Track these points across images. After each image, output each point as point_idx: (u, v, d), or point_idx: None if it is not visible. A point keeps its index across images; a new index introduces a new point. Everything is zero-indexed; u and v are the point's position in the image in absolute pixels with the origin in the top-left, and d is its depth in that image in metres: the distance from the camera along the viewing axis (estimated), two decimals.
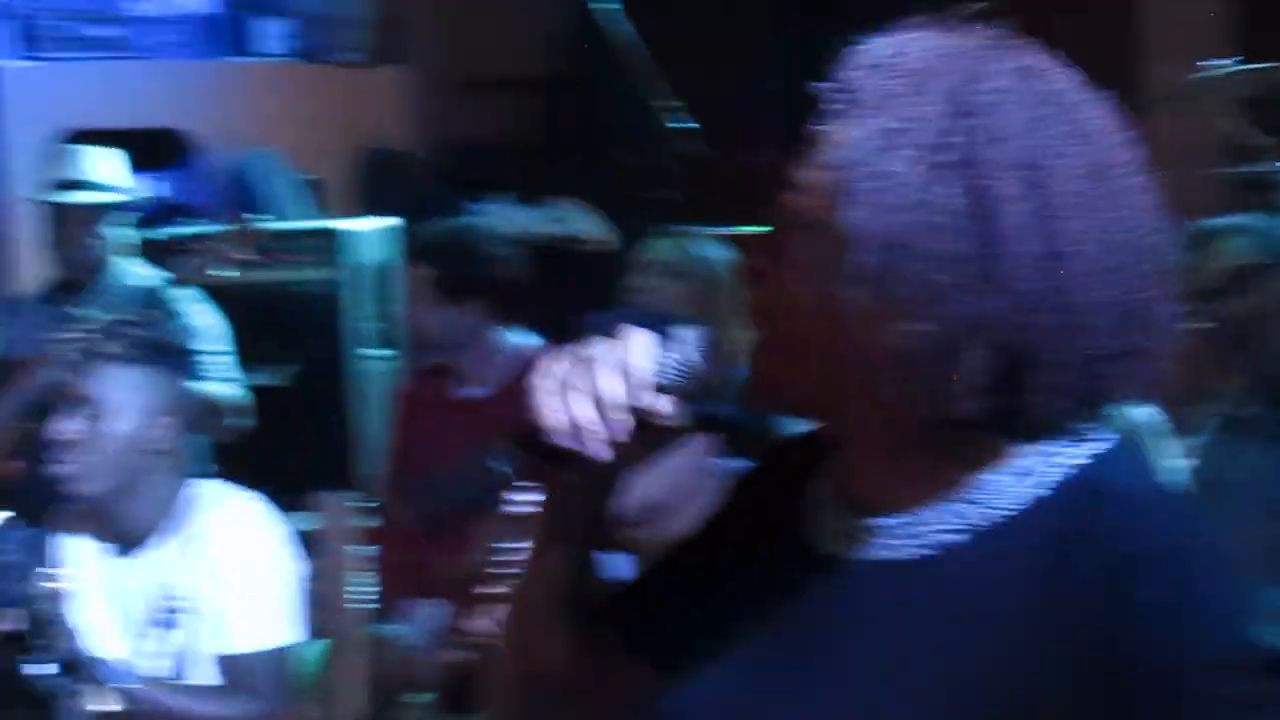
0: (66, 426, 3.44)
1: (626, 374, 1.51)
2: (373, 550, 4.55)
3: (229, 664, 3.49)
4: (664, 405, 1.51)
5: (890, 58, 1.40)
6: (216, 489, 3.62)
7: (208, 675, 3.50)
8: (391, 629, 4.48)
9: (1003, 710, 1.34)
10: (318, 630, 3.80)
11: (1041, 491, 1.41)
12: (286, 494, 3.85)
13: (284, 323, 5.87)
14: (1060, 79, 1.42)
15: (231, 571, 3.50)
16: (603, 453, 1.51)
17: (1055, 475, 1.41)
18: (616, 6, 6.79)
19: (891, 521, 1.44)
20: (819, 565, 1.49)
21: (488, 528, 3.20)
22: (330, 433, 5.86)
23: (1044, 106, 1.38)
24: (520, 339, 4.74)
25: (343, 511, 3.87)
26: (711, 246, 4.91)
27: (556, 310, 4.84)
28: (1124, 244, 1.36)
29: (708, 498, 1.74)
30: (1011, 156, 1.35)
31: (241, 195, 7.25)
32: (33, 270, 6.28)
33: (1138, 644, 1.32)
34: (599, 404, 1.50)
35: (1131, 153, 1.41)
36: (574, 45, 8.40)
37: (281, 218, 6.58)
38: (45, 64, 7.19)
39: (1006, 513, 1.41)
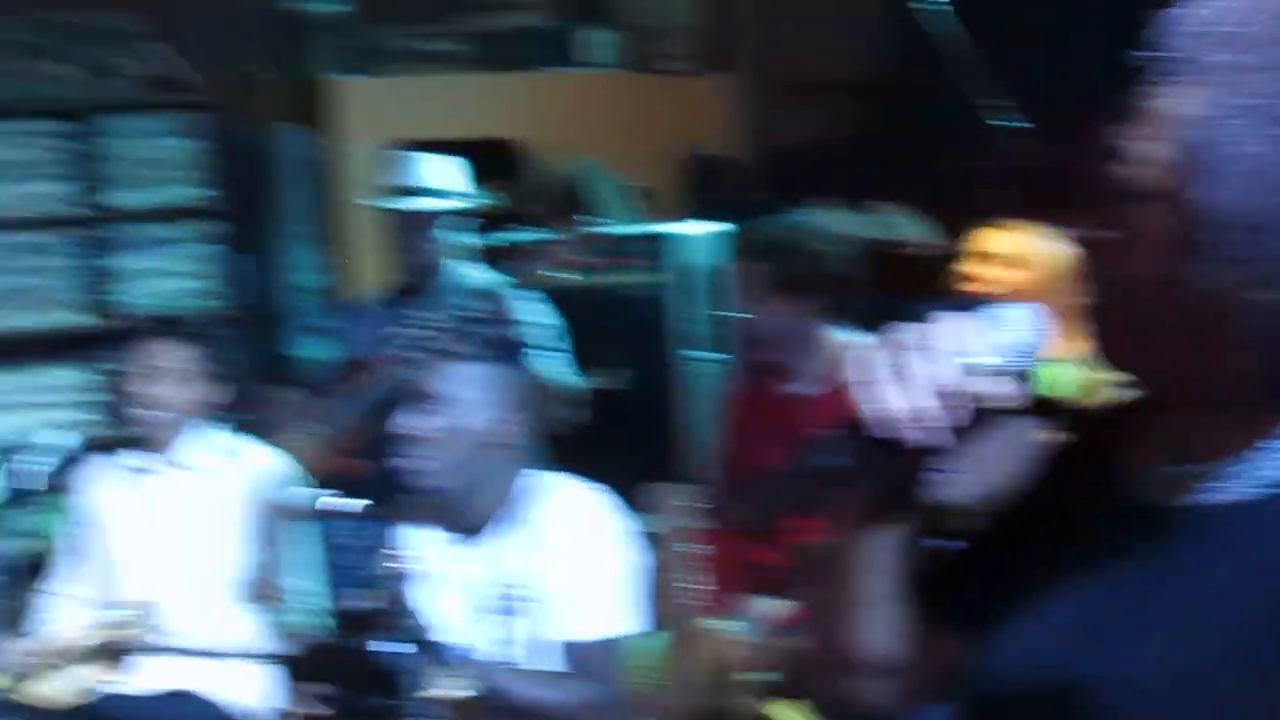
0: (417, 422, 3.53)
1: (959, 357, 1.51)
2: (705, 547, 4.59)
3: (570, 651, 3.55)
4: (998, 387, 1.51)
5: (1233, 25, 1.37)
6: (558, 480, 3.68)
7: (548, 663, 3.56)
8: (724, 624, 4.51)
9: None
10: (655, 623, 3.84)
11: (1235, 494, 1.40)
12: (619, 492, 3.90)
13: (616, 325, 5.94)
14: None
15: (573, 560, 3.56)
16: (940, 439, 1.52)
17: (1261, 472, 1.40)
18: (944, 5, 6.74)
19: (1221, 467, 1.43)
20: (1146, 517, 1.49)
21: (819, 519, 3.21)
22: (661, 432, 5.92)
23: None
24: (852, 338, 4.74)
25: (676, 508, 3.89)
26: (1043, 240, 4.84)
27: (885, 311, 4.85)
28: None
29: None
30: None
31: (572, 203, 7.36)
32: (373, 275, 6.50)
33: None
34: (934, 389, 1.51)
35: None
36: (900, 47, 8.36)
37: (611, 224, 6.68)
38: (380, 78, 7.41)
39: (1250, 495, 1.40)
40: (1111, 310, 1.46)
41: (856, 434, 1.55)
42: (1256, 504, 1.41)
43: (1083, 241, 1.50)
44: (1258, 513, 1.41)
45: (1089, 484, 1.60)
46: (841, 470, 1.66)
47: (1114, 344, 1.48)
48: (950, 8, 6.73)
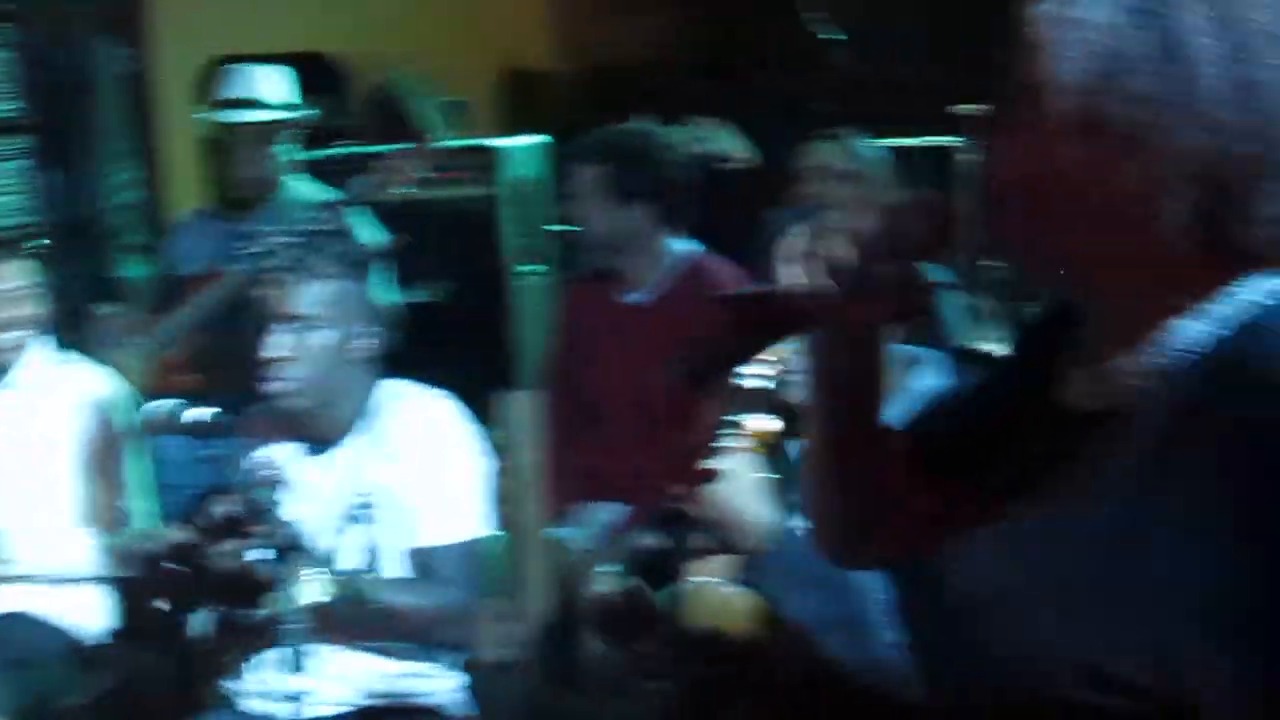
0: (269, 340, 3.51)
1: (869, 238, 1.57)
2: (541, 451, 4.63)
3: (421, 557, 3.55)
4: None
5: None
6: (404, 388, 3.69)
7: (404, 569, 3.57)
8: (563, 530, 4.56)
9: (1165, 551, 1.33)
10: (501, 526, 3.87)
11: (1224, 331, 1.39)
12: (459, 402, 3.91)
13: (446, 239, 5.94)
14: None
15: (422, 466, 3.57)
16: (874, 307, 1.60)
17: (1243, 316, 1.39)
18: None
19: (1106, 369, 1.47)
20: (1058, 420, 1.53)
21: (712, 405, 3.25)
22: (495, 343, 5.93)
23: None
24: (684, 247, 4.78)
25: (514, 416, 3.93)
26: (871, 150, 4.93)
27: (713, 222, 4.89)
28: None
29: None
30: None
31: (395, 118, 7.30)
32: (193, 190, 6.41)
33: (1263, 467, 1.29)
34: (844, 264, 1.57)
35: None
36: None
37: (436, 139, 6.64)
38: None
39: (1194, 354, 1.40)
40: (1018, 206, 1.47)
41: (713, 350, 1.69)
42: (1120, 409, 1.43)
43: (974, 138, 1.51)
44: (1123, 419, 1.42)
45: (1026, 393, 1.63)
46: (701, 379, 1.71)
47: (1019, 239, 1.50)
48: None
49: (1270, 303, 1.39)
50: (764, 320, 1.71)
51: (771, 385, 2.82)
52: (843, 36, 6.60)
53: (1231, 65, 1.35)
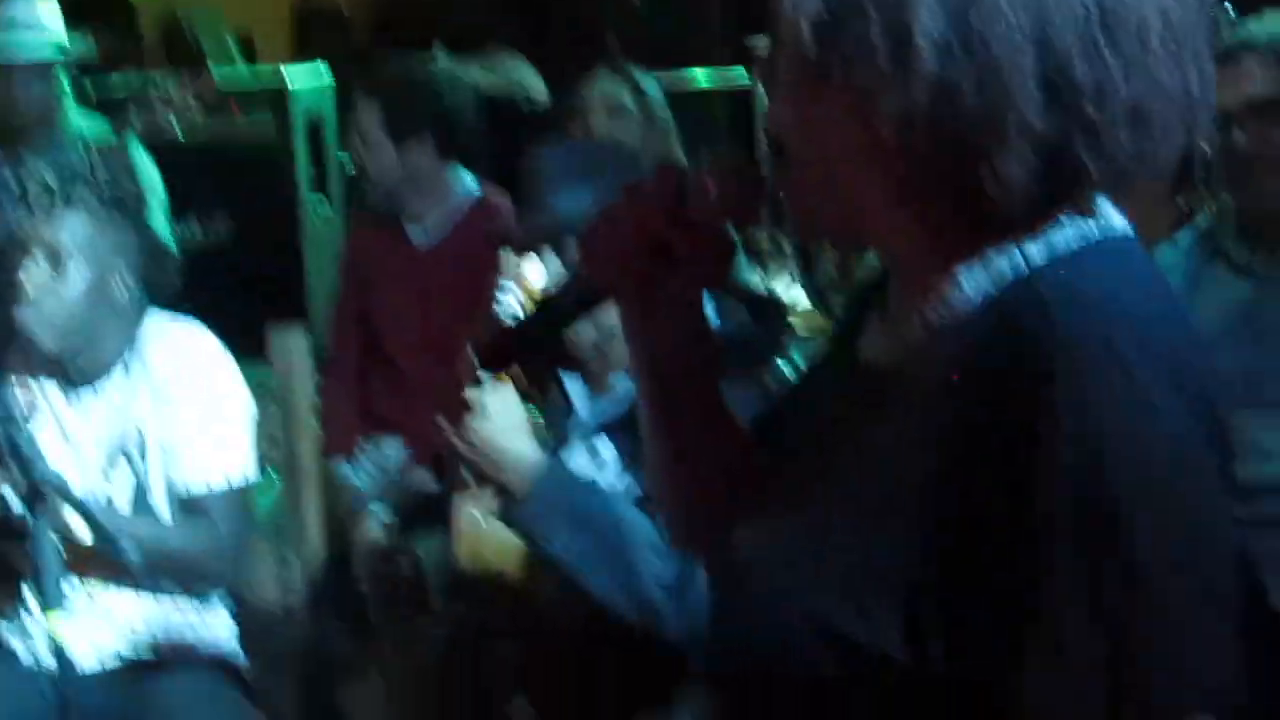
0: (28, 274, 3.41)
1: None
2: (323, 390, 4.58)
3: (186, 498, 3.49)
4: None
5: None
6: (169, 324, 3.60)
7: (169, 510, 3.51)
8: (343, 467, 4.52)
9: (925, 506, 1.33)
10: (274, 468, 3.82)
11: (992, 290, 1.39)
12: (239, 339, 3.84)
13: (229, 174, 5.84)
14: None
15: (185, 406, 3.49)
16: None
17: (1010, 274, 1.38)
18: None
19: (898, 327, 1.47)
20: (860, 380, 1.52)
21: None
22: (279, 280, 5.86)
23: None
24: (470, 185, 4.73)
25: (294, 351, 3.86)
26: (651, 85, 4.91)
27: (503, 158, 4.85)
28: (1063, 19, 1.31)
29: None
30: None
31: (179, 50, 7.18)
32: None
33: (1026, 445, 1.28)
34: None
35: None
36: None
37: (221, 72, 6.52)
38: None
39: (961, 313, 1.40)
40: (783, 158, 1.45)
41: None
42: (896, 365, 1.44)
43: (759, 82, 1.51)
44: (898, 372, 1.43)
45: (840, 356, 1.62)
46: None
47: (790, 193, 1.47)
48: None
49: (1040, 261, 1.37)
50: (574, 308, 1.68)
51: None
52: None
53: (954, 22, 1.31)
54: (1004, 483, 1.28)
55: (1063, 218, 1.39)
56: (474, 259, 3.98)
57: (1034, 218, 1.38)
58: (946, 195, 1.37)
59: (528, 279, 2.82)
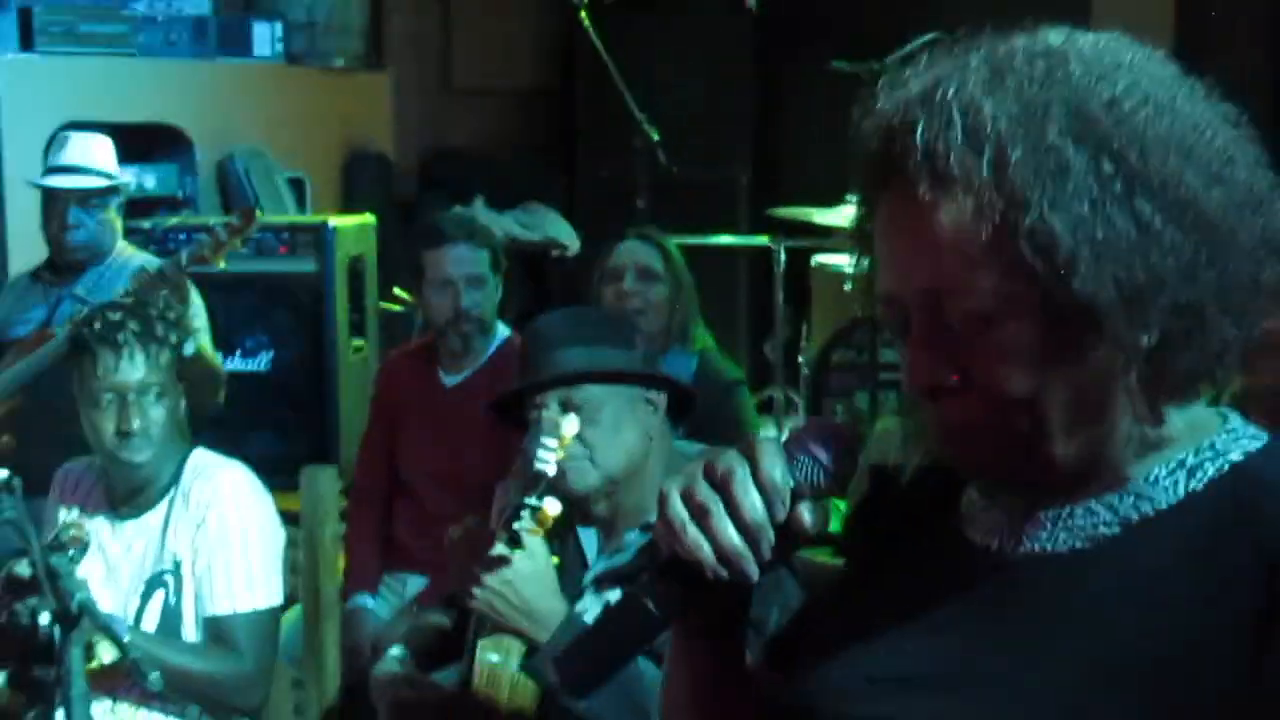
0: (102, 413, 3.48)
1: (765, 487, 1.37)
2: (349, 524, 4.63)
3: (215, 624, 3.54)
4: (804, 514, 1.39)
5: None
6: (208, 458, 3.67)
7: (197, 634, 3.56)
8: (364, 599, 4.57)
9: (1158, 700, 1.27)
10: (298, 597, 3.87)
11: (1196, 485, 1.35)
12: (270, 472, 3.91)
13: (271, 312, 5.93)
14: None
15: (220, 537, 3.55)
16: (752, 575, 1.38)
17: (1210, 469, 1.35)
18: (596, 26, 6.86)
19: (1049, 515, 1.39)
20: (975, 559, 1.44)
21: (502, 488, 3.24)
22: (312, 416, 5.93)
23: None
24: (503, 330, 4.81)
25: (324, 488, 3.92)
26: (677, 250, 4.98)
27: (530, 305, 4.96)
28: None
29: None
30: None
31: (231, 190, 7.29)
32: (28, 254, 6.32)
33: None
34: (744, 526, 1.36)
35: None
36: (557, 57, 8.48)
37: (270, 212, 6.61)
38: (44, 57, 7.14)
39: (1159, 506, 1.35)
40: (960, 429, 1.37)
41: (667, 569, 1.42)
42: (1089, 553, 1.37)
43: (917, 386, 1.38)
44: (1094, 562, 1.37)
45: (921, 524, 1.54)
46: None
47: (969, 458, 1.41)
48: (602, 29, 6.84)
49: (1249, 457, 1.37)
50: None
51: (555, 470, 2.84)
52: (659, 138, 6.66)
53: (1171, 201, 1.29)
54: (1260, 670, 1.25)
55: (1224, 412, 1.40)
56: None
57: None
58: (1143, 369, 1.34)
59: (565, 433, 2.85)
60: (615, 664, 1.47)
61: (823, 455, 1.40)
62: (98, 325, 3.47)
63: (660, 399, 3.09)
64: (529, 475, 2.82)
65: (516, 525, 2.78)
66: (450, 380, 4.78)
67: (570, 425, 2.84)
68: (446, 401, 4.72)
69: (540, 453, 2.79)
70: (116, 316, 3.48)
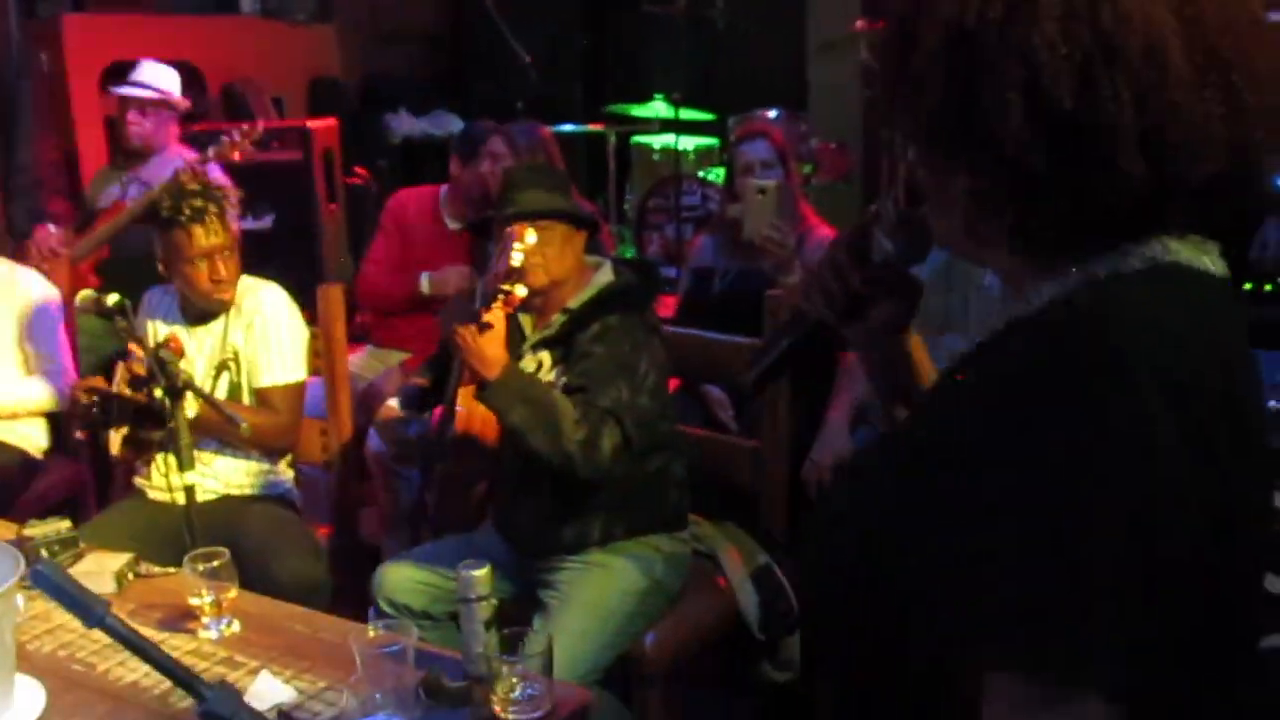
0: (221, 262, 3.34)
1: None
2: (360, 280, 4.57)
3: (262, 393, 3.44)
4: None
5: None
6: (251, 282, 3.52)
7: (248, 401, 3.47)
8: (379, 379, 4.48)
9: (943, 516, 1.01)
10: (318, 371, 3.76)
11: (1023, 313, 1.07)
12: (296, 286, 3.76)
13: (271, 188, 5.72)
14: None
15: (263, 334, 3.43)
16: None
17: (1044, 299, 1.06)
18: None
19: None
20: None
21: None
22: (303, 256, 5.77)
23: None
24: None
25: (333, 300, 3.76)
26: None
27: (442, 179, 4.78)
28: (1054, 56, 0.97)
29: None
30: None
31: (234, 106, 7.03)
32: (99, 154, 6.01)
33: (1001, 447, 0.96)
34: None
35: None
36: (453, 6, 8.21)
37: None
38: (93, 15, 6.79)
39: (998, 330, 1.09)
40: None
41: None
42: (944, 378, 1.15)
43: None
44: (942, 385, 1.15)
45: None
46: None
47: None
48: None
49: (1083, 286, 1.03)
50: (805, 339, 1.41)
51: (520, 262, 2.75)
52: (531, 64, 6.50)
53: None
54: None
55: (1126, 245, 1.04)
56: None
57: (1088, 244, 1.04)
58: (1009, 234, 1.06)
59: (529, 242, 2.76)
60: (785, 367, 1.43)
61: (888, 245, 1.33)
62: (185, 209, 3.27)
63: (584, 232, 3.01)
64: (505, 268, 2.72)
65: (494, 303, 2.71)
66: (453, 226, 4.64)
67: (532, 236, 2.76)
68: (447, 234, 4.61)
69: (513, 253, 2.71)
70: (198, 202, 3.28)
